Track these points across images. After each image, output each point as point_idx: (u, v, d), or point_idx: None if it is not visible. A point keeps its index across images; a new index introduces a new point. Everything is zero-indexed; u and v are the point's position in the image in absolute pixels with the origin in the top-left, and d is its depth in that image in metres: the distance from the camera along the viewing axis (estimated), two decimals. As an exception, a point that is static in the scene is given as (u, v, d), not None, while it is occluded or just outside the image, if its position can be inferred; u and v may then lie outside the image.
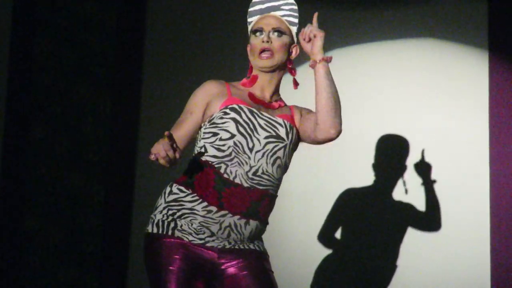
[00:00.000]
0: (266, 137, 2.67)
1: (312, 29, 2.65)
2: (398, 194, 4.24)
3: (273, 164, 2.67)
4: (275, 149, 2.68)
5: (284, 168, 2.73)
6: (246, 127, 2.65)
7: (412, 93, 4.34)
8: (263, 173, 2.64)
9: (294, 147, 2.76)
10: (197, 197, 2.62)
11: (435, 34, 4.35)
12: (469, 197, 4.19)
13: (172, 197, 2.66)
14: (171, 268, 2.58)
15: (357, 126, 4.22)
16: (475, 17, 4.30)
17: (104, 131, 4.56)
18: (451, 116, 4.29)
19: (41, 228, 4.50)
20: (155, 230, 2.64)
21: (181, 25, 4.67)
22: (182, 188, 2.65)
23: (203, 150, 2.67)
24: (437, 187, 4.20)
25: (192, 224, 2.62)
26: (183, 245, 2.61)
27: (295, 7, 2.80)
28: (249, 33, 2.79)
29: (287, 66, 2.78)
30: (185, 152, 2.62)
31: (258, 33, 2.74)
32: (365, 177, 4.28)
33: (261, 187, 2.64)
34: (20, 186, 4.53)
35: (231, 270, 2.65)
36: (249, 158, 2.63)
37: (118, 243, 4.43)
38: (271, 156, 2.67)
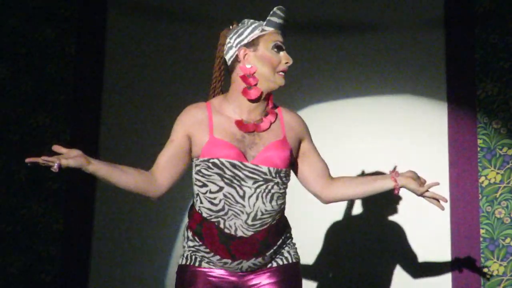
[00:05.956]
0: (255, 182, 2.62)
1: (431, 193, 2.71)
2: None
3: (271, 201, 2.63)
4: (268, 188, 2.63)
5: (283, 194, 2.69)
6: (232, 179, 2.61)
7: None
8: (262, 214, 2.61)
9: (287, 174, 2.71)
10: (209, 250, 2.65)
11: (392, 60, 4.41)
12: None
13: (191, 243, 2.70)
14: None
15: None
16: (432, 46, 4.37)
17: (68, 71, 4.54)
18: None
19: (5, 165, 4.49)
20: (183, 262, 2.71)
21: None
22: (196, 237, 2.68)
23: (198, 199, 2.67)
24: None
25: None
26: (207, 272, 2.67)
27: None
28: (253, 34, 2.67)
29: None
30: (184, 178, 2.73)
31: (277, 49, 2.68)
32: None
33: (265, 226, 2.63)
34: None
35: (255, 280, 2.69)
36: (243, 206, 2.60)
37: (83, 179, 4.41)
38: (266, 195, 2.63)
